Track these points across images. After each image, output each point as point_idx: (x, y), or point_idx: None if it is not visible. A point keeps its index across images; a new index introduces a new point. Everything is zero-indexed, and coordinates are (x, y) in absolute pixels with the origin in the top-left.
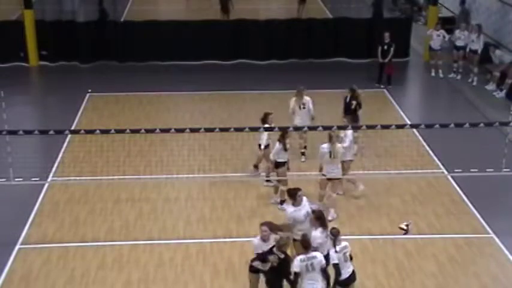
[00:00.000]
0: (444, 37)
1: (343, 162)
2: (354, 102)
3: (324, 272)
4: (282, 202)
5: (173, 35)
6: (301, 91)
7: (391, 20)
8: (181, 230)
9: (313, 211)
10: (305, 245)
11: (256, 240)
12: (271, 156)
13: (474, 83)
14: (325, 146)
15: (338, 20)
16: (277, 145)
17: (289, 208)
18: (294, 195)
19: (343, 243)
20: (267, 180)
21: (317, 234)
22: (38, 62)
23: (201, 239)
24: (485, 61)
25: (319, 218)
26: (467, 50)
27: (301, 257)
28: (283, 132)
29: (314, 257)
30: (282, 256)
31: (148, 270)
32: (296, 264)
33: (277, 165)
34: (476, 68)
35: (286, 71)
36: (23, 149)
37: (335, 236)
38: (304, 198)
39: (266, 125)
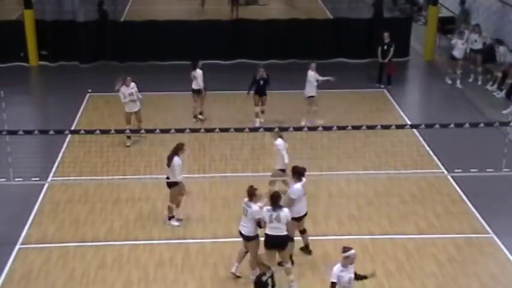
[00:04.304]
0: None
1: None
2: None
3: None
4: (170, 218)
5: (173, 35)
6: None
7: (391, 20)
8: (181, 230)
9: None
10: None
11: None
12: (179, 178)
13: (479, 83)
14: (281, 143)
15: (338, 20)
16: (179, 160)
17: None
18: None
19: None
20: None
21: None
22: (38, 62)
23: (201, 239)
24: (487, 61)
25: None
26: (468, 50)
27: None
28: (181, 145)
29: None
30: (271, 272)
31: (148, 270)
32: None
33: (174, 184)
34: (480, 67)
35: (286, 71)
36: (23, 149)
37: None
38: None
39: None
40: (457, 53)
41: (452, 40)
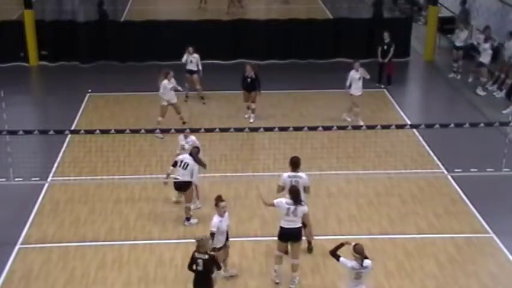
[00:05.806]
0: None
1: None
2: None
3: None
4: (188, 219)
5: (173, 35)
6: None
7: (391, 20)
8: (181, 230)
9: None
10: None
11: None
12: (196, 181)
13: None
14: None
15: (338, 20)
16: (196, 165)
17: (215, 218)
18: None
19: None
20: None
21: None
22: (38, 62)
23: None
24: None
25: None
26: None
27: None
28: (197, 148)
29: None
30: (206, 257)
31: (148, 270)
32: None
33: (189, 185)
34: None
35: (286, 71)
36: (23, 149)
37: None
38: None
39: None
40: (486, 60)
41: (482, 46)
